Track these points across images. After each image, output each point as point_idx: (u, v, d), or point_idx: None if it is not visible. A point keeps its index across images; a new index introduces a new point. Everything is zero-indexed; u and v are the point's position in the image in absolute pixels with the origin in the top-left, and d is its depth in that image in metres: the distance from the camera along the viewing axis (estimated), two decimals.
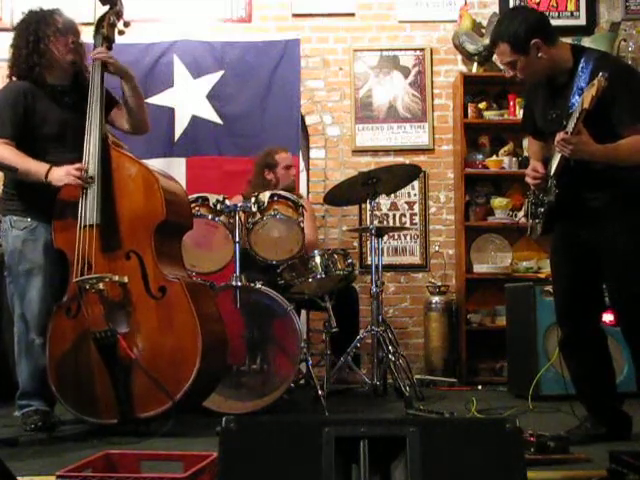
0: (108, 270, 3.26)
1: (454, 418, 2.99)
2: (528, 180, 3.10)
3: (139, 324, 3.24)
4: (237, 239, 3.85)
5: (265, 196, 3.89)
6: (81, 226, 3.29)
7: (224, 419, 1.73)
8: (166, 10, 5.50)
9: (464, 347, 5.19)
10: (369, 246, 4.66)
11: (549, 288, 3.94)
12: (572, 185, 2.92)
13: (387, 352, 4.16)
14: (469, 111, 5.39)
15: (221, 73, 5.33)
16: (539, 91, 3.07)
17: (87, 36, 3.64)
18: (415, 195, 5.55)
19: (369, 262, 4.61)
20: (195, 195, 3.90)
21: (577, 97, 2.81)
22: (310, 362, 3.93)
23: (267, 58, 5.32)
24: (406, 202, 5.55)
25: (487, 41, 5.12)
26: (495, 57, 4.96)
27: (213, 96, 5.31)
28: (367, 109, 5.56)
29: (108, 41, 3.54)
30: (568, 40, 3.98)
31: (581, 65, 2.87)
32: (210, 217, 3.87)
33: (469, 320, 5.27)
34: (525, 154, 5.24)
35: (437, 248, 5.51)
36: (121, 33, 3.59)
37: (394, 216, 5.55)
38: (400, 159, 5.48)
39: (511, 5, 5.53)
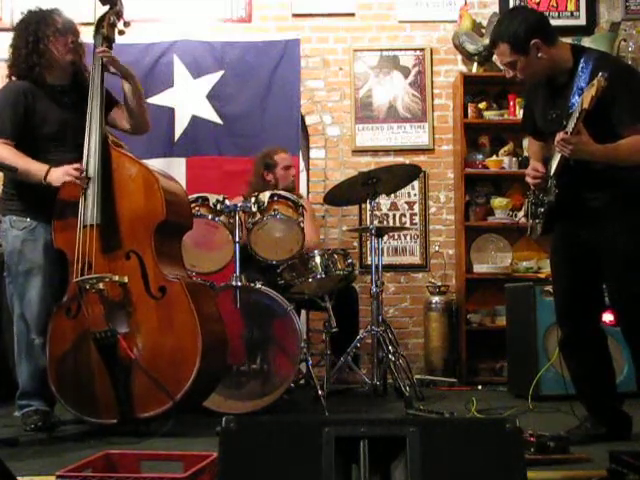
0: (108, 270, 3.26)
1: (454, 418, 2.99)
2: (528, 180, 3.10)
3: (139, 324, 3.24)
4: (237, 239, 3.85)
5: (265, 196, 3.89)
6: (81, 226, 3.29)
7: (224, 419, 1.73)
8: (166, 10, 5.50)
9: (464, 347, 5.19)
10: (369, 246, 4.66)
11: (549, 288, 3.94)
12: (572, 185, 2.92)
13: (387, 352, 4.16)
14: (469, 111, 5.39)
15: (221, 73, 5.33)
16: (539, 91, 3.07)
17: (87, 36, 3.64)
18: (415, 195, 5.55)
19: (369, 262, 4.61)
20: (195, 195, 3.90)
21: (577, 97, 2.81)
22: (310, 362, 3.94)
23: (267, 58, 5.31)
24: (406, 202, 5.55)
25: (487, 41, 5.12)
26: (495, 57, 4.96)
27: (213, 96, 5.31)
28: (367, 109, 5.56)
29: (108, 41, 3.54)
30: (568, 40, 3.98)
31: (581, 65, 2.87)
32: (210, 217, 3.87)
33: (469, 320, 5.27)
34: (525, 154, 5.24)
35: (437, 248, 5.51)
36: (121, 33, 3.59)
37: (394, 216, 5.55)
38: (400, 159, 5.48)
39: (511, 5, 5.52)
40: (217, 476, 1.72)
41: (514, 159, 5.38)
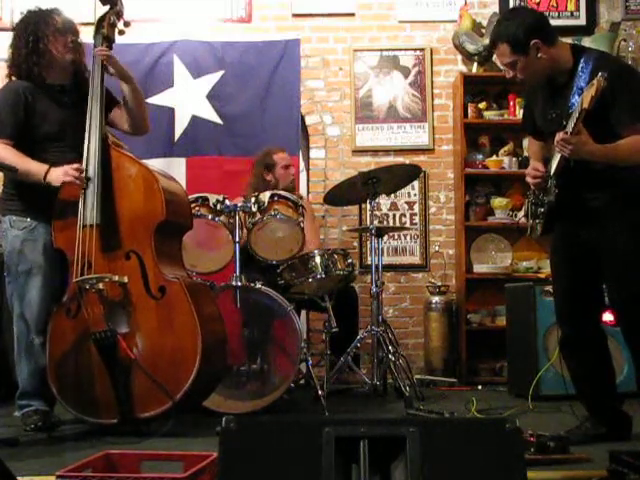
0: (108, 270, 3.26)
1: (454, 418, 3.00)
2: (528, 180, 3.10)
3: (139, 324, 3.24)
4: (237, 239, 3.85)
5: (265, 196, 3.89)
6: (81, 226, 3.29)
7: (224, 419, 1.73)
8: (166, 10, 5.50)
9: (464, 347, 5.19)
10: (369, 246, 4.66)
11: (549, 288, 3.94)
12: (572, 185, 2.92)
13: (387, 352, 4.16)
14: (469, 111, 5.39)
15: (221, 73, 5.33)
16: (539, 91, 3.07)
17: (87, 36, 3.64)
18: (415, 195, 5.55)
19: (369, 262, 4.61)
20: (195, 195, 3.90)
21: (577, 97, 2.81)
22: (310, 362, 3.94)
23: (267, 58, 5.31)
24: (406, 202, 5.55)
25: (487, 41, 5.12)
26: (495, 57, 4.96)
27: (213, 96, 5.31)
28: (367, 109, 5.56)
29: (108, 41, 3.54)
30: (568, 40, 3.98)
31: (581, 65, 2.88)
32: (210, 217, 3.87)
33: (469, 320, 5.27)
34: (525, 154, 5.24)
35: (437, 248, 5.51)
36: (121, 33, 3.59)
37: (394, 216, 5.55)
38: (400, 159, 5.48)
39: (511, 5, 5.52)
40: (217, 476, 1.72)
41: (514, 159, 5.38)
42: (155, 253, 3.29)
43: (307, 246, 4.14)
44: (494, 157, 5.42)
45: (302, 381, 4.32)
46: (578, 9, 5.55)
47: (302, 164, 5.54)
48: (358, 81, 5.58)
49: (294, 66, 5.29)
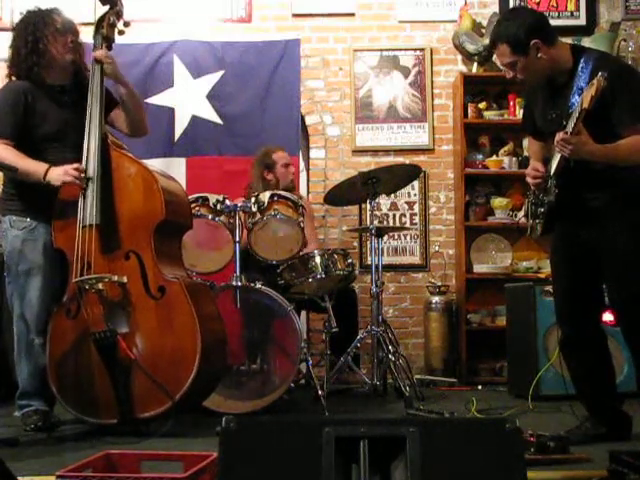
0: (107, 270, 3.26)
1: (454, 418, 2.99)
2: (528, 180, 3.10)
3: (138, 324, 3.24)
4: (237, 239, 3.85)
5: (265, 196, 3.89)
6: (80, 226, 3.29)
7: (224, 419, 1.73)
8: (166, 10, 5.50)
9: (464, 347, 5.19)
10: (369, 246, 4.66)
11: (549, 288, 3.94)
12: (572, 185, 2.92)
13: (387, 352, 4.16)
14: (469, 111, 5.39)
15: (221, 73, 5.33)
16: (539, 91, 3.07)
17: (87, 36, 3.64)
18: (415, 195, 5.55)
19: (369, 262, 4.61)
20: (195, 195, 3.90)
21: (577, 97, 2.81)
22: (310, 362, 3.94)
23: (267, 58, 5.31)
24: (406, 202, 5.55)
25: (487, 41, 5.12)
26: (495, 57, 4.96)
27: (213, 96, 5.31)
28: (367, 109, 5.56)
29: (108, 41, 3.54)
30: (568, 40, 3.99)
31: (581, 65, 2.88)
32: (210, 217, 3.87)
33: (469, 320, 5.27)
34: (525, 154, 5.24)
35: (437, 248, 5.51)
36: (121, 33, 3.59)
37: (394, 216, 5.55)
38: (400, 159, 5.48)
39: (511, 5, 5.53)
40: (217, 476, 1.72)
41: (514, 159, 5.38)
42: (155, 253, 3.29)
43: (309, 246, 4.14)
44: (494, 157, 5.42)
45: (302, 381, 4.32)
46: (578, 9, 5.55)
47: (302, 164, 5.54)
48: (358, 81, 5.58)
49: (294, 66, 5.29)
